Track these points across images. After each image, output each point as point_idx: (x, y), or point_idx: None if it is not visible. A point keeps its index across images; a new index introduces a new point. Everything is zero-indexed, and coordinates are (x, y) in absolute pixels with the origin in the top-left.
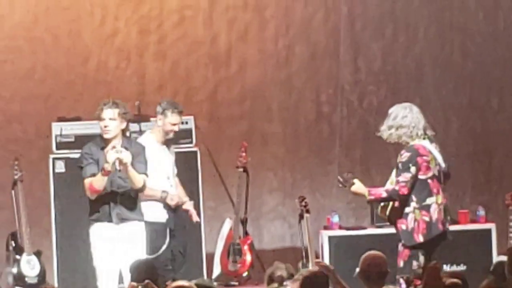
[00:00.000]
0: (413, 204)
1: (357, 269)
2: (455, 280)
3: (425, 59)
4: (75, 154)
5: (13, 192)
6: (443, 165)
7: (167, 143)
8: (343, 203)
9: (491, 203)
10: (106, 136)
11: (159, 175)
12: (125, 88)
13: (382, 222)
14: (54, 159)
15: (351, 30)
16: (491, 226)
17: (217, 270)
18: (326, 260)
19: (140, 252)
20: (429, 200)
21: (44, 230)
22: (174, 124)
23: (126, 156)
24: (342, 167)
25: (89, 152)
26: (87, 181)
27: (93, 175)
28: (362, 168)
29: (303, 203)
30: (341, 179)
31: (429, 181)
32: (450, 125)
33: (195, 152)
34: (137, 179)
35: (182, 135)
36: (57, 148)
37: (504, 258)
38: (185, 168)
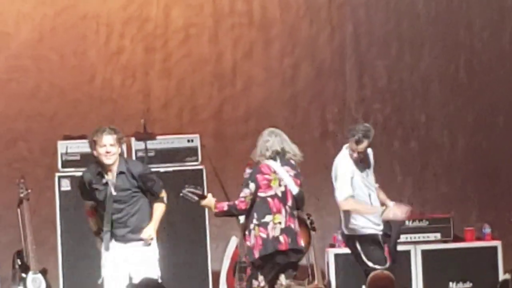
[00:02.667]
0: (254, 221)
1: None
2: None
3: (430, 77)
4: (80, 172)
5: (18, 210)
6: (294, 190)
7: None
8: None
9: (497, 220)
10: (107, 161)
11: (363, 190)
12: (130, 106)
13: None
14: (59, 177)
15: (357, 48)
16: (497, 243)
17: None
18: (332, 278)
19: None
20: (267, 218)
21: (50, 248)
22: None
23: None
24: None
25: (82, 183)
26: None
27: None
28: None
29: (309, 221)
30: (189, 194)
31: (268, 199)
32: (456, 142)
33: (201, 170)
34: (161, 212)
35: (188, 153)
36: (63, 166)
37: (509, 276)
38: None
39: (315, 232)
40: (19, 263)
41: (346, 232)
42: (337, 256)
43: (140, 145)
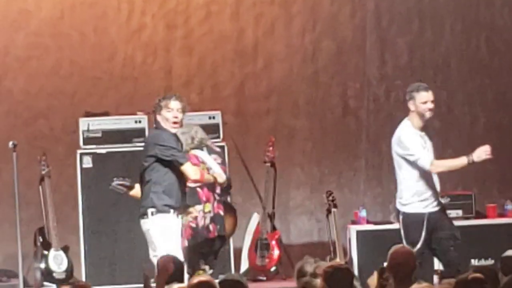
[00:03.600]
0: None
1: (385, 264)
2: (477, 275)
3: (451, 54)
4: (102, 149)
5: (40, 187)
6: (222, 178)
7: (425, 125)
8: (371, 198)
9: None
10: (173, 130)
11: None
12: (151, 83)
13: None
14: (81, 154)
15: (378, 25)
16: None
17: (245, 265)
18: (354, 255)
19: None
20: (197, 208)
21: (72, 226)
22: (425, 102)
23: None
24: (369, 161)
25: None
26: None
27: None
28: (390, 163)
29: (331, 198)
30: (118, 186)
31: (198, 189)
32: (477, 119)
33: (223, 147)
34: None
35: (209, 130)
36: (84, 143)
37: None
38: None
39: (336, 209)
40: (41, 240)
41: (396, 206)
42: (358, 233)
43: None
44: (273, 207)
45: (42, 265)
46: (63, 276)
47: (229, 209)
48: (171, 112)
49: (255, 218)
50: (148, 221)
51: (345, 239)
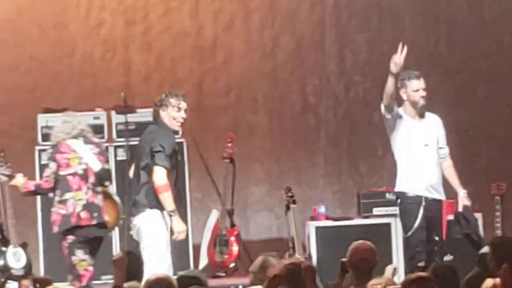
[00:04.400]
0: (56, 198)
1: (344, 259)
2: (423, 274)
3: (411, 50)
4: None
5: None
6: (96, 167)
7: (420, 113)
8: (330, 194)
9: (478, 193)
10: (178, 129)
11: (414, 147)
12: (111, 79)
13: (368, 212)
14: (39, 150)
15: (337, 21)
16: (478, 216)
17: (204, 261)
18: (313, 251)
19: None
20: (67, 195)
21: (30, 222)
22: (417, 90)
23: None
24: (328, 157)
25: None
26: (165, 178)
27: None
28: (349, 158)
29: (290, 194)
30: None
31: (68, 177)
32: (437, 115)
33: (182, 143)
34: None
35: None
36: (43, 140)
37: (487, 249)
38: None
39: (295, 205)
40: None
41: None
42: (317, 229)
43: (121, 118)
44: (232, 204)
45: (1, 262)
46: (21, 272)
47: (110, 200)
48: (180, 112)
49: (214, 215)
50: (141, 217)
51: (304, 235)
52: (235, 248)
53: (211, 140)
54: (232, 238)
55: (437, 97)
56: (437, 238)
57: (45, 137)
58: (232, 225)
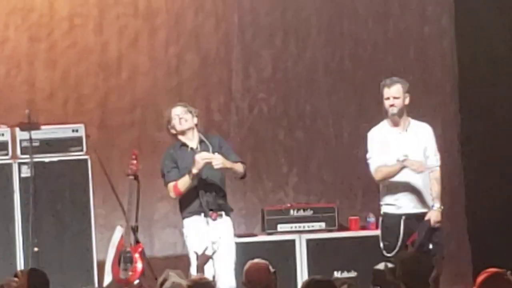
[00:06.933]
0: None
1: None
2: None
3: (316, 67)
4: None
5: None
6: None
7: (396, 122)
8: (235, 210)
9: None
10: (181, 127)
11: (393, 158)
12: (15, 96)
13: (273, 229)
14: None
15: (242, 38)
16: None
17: (108, 278)
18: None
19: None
20: None
21: None
22: (387, 98)
23: (217, 159)
24: None
25: (169, 159)
26: (170, 184)
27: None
28: (253, 174)
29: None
30: None
31: None
32: (341, 132)
33: (86, 160)
34: (238, 168)
35: (72, 143)
36: None
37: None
38: (76, 176)
39: None
40: None
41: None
42: None
43: (25, 135)
44: (137, 220)
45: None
46: None
47: None
48: (175, 118)
49: (119, 231)
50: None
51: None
52: (139, 265)
53: (116, 157)
54: (137, 255)
55: (342, 113)
56: (431, 247)
57: None
58: (137, 241)
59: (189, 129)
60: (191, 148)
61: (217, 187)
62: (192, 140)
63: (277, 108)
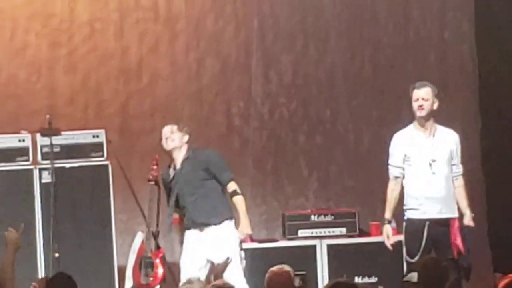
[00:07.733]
0: None
1: None
2: None
3: (336, 72)
4: None
5: None
6: None
7: (423, 125)
8: (256, 216)
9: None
10: (167, 147)
11: (419, 162)
12: (35, 101)
13: (293, 234)
14: None
15: (262, 43)
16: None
17: (129, 284)
18: None
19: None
20: None
21: None
22: (416, 100)
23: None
24: (254, 179)
25: (163, 184)
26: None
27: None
28: (274, 180)
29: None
30: None
31: None
32: (361, 137)
33: (107, 166)
34: (242, 205)
35: (93, 149)
36: None
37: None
38: (96, 181)
39: None
40: None
41: None
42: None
43: (45, 140)
44: (157, 226)
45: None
46: None
47: None
48: (164, 138)
49: (139, 237)
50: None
51: None
52: (160, 271)
53: (137, 162)
54: (157, 261)
55: (362, 118)
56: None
57: None
58: (158, 247)
59: (175, 148)
60: (174, 168)
61: (197, 203)
62: (179, 159)
63: (297, 112)
